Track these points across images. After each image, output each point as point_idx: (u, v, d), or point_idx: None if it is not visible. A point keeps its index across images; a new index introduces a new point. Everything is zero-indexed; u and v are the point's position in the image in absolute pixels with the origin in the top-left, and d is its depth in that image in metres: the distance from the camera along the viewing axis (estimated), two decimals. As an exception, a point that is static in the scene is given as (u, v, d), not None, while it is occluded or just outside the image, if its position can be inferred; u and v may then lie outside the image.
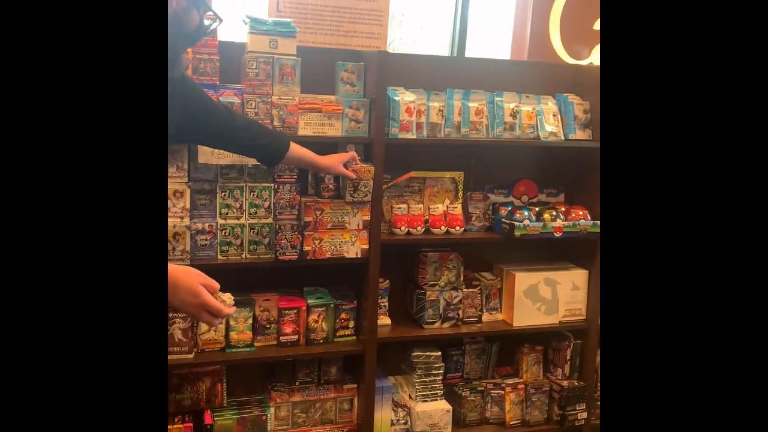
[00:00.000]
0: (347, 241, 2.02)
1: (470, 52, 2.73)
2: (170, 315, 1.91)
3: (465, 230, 2.25)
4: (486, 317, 2.35)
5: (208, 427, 1.99)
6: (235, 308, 1.23)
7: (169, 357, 1.91)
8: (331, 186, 2.02)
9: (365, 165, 1.98)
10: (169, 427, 1.94)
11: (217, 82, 1.87)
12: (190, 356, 1.94)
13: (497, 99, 2.24)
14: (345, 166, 1.94)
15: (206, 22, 1.35)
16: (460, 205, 2.27)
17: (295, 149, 1.83)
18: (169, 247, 1.85)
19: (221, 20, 1.38)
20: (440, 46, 2.90)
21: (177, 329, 1.92)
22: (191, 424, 1.97)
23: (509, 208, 2.30)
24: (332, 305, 2.10)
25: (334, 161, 1.91)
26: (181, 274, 1.16)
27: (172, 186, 1.86)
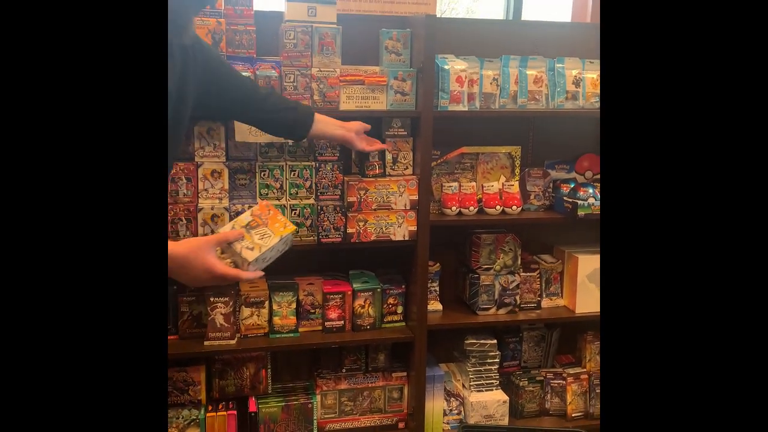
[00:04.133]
0: (393, 222, 1.89)
1: (527, 15, 2.52)
2: (212, 299, 1.85)
3: (522, 210, 2.08)
4: (546, 303, 2.19)
5: (253, 414, 1.93)
6: (258, 272, 1.20)
7: (211, 343, 1.86)
8: (376, 164, 1.89)
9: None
10: (213, 414, 1.89)
11: (254, 55, 1.76)
12: (233, 342, 1.87)
13: (558, 66, 2.04)
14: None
15: None
16: (517, 182, 2.10)
17: (320, 118, 1.70)
18: (208, 229, 1.78)
19: None
20: (496, 15, 2.70)
21: (219, 314, 1.86)
22: (235, 412, 1.91)
23: (572, 185, 2.11)
24: (379, 290, 1.99)
25: (350, 129, 1.75)
26: (190, 252, 1.13)
27: (209, 166, 1.79)
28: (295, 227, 1.38)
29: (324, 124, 1.71)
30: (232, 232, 1.21)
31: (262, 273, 1.25)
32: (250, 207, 1.80)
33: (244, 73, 1.71)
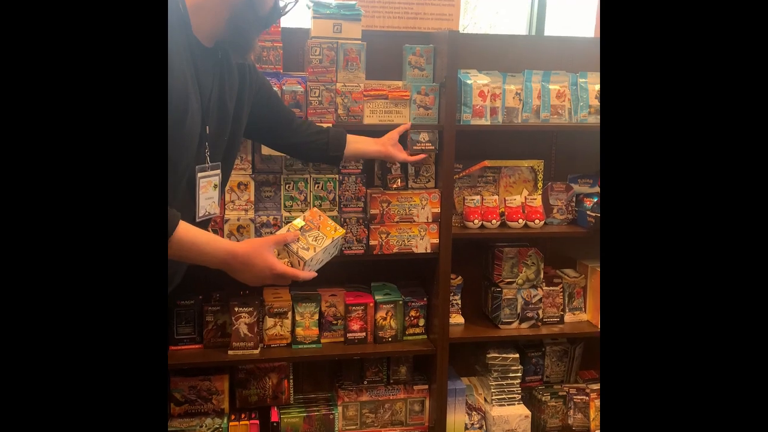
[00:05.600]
0: (416, 235, 1.91)
1: (550, 30, 2.53)
2: (236, 310, 1.88)
3: (545, 223, 2.08)
4: (569, 317, 2.18)
5: (275, 424, 1.95)
6: (313, 273, 1.27)
7: (235, 352, 1.88)
8: (398, 177, 1.91)
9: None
10: (236, 423, 1.92)
11: (281, 70, 1.81)
12: (256, 352, 1.89)
13: (581, 80, 2.05)
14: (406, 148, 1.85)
15: (281, 3, 1.29)
16: (539, 196, 2.10)
17: (353, 138, 1.75)
18: (233, 240, 1.81)
19: (297, 0, 1.31)
20: (518, 30, 2.72)
21: (243, 324, 1.88)
22: (257, 421, 1.93)
23: (595, 200, 2.10)
24: (401, 302, 2.00)
25: (385, 143, 1.80)
26: (252, 251, 1.18)
27: (236, 178, 1.82)
28: (344, 230, 1.46)
29: (359, 143, 1.76)
30: (290, 233, 1.27)
31: (316, 274, 1.29)
32: (275, 218, 1.84)
33: (270, 88, 1.76)
